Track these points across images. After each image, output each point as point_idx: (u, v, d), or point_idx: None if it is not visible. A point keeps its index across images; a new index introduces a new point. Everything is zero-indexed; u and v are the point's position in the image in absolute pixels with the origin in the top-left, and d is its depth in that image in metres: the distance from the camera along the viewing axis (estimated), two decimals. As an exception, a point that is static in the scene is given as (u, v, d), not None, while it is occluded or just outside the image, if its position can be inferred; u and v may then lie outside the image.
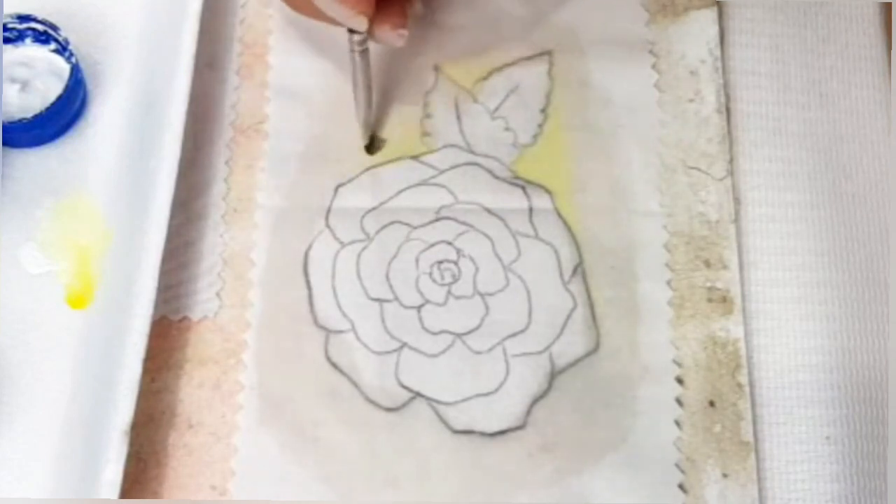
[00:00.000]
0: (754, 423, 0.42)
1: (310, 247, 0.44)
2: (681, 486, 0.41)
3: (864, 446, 0.42)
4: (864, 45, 0.48)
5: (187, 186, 0.44)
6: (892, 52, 0.47)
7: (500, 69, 0.47)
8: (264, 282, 0.43)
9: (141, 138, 0.44)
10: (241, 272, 0.43)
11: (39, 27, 0.44)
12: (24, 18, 0.44)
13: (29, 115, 0.43)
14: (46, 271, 0.42)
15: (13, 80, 0.44)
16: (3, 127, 0.42)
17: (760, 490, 0.41)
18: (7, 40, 0.44)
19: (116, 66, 0.46)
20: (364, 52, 0.42)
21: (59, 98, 0.43)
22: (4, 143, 0.43)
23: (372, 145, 0.45)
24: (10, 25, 0.44)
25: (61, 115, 0.44)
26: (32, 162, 0.44)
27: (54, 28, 0.44)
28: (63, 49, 0.44)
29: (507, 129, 0.46)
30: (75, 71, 0.43)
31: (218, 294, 0.43)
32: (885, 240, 0.45)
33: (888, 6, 0.48)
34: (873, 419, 0.42)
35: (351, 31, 0.41)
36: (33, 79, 0.45)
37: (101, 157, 0.44)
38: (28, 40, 0.45)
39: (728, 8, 0.48)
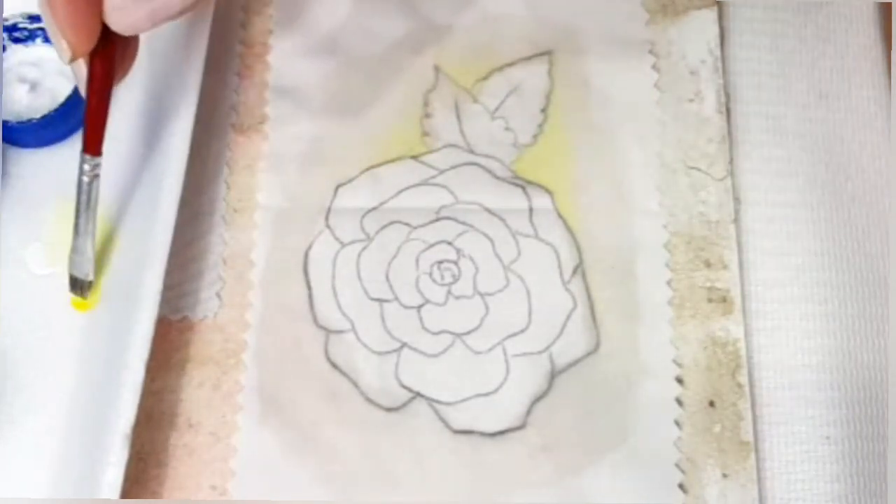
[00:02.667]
0: (754, 423, 0.42)
1: (310, 247, 0.44)
2: (681, 486, 0.41)
3: (864, 446, 0.42)
4: (864, 45, 0.48)
5: (187, 186, 0.44)
6: (892, 52, 0.47)
7: (500, 69, 0.47)
8: (264, 282, 0.43)
9: (149, 139, 0.44)
10: (241, 272, 0.43)
11: None
12: (34, 18, 0.44)
13: (38, 115, 0.43)
14: (52, 272, 0.42)
15: (22, 80, 0.44)
16: (12, 127, 0.42)
17: (760, 490, 0.41)
18: (17, 40, 0.45)
19: (126, 66, 0.46)
20: (96, 179, 0.40)
21: (69, 98, 0.43)
22: (13, 143, 0.43)
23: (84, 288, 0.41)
24: (20, 25, 0.44)
25: (70, 116, 0.44)
26: (40, 162, 0.44)
27: None
28: None
29: (507, 129, 0.46)
30: None
31: (218, 294, 0.43)
32: (885, 240, 0.45)
33: (887, 6, 0.48)
34: (873, 419, 0.42)
35: (84, 150, 0.39)
36: (43, 79, 0.45)
37: (108, 157, 0.44)
38: (38, 40, 0.45)
39: (728, 8, 0.48)
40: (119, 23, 0.36)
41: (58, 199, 0.43)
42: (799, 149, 0.46)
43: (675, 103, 0.46)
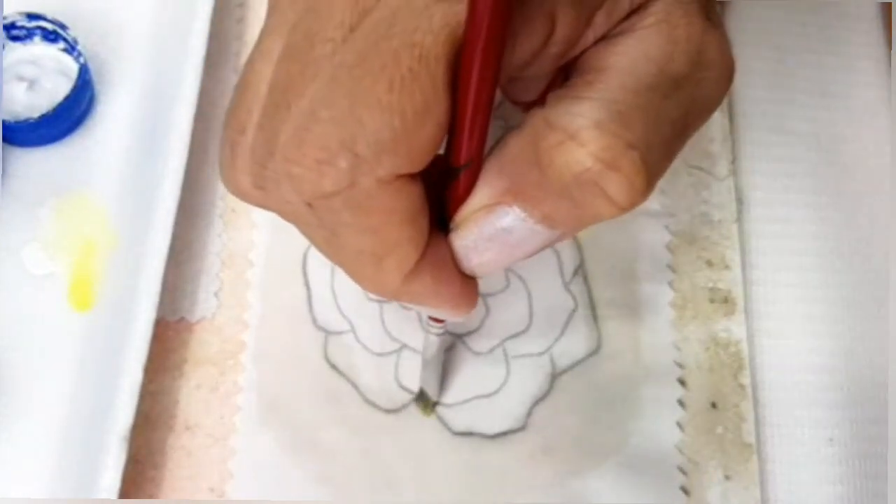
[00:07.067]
0: (756, 424, 0.41)
1: (309, 247, 0.44)
2: (683, 489, 0.40)
3: (867, 448, 0.42)
4: (865, 45, 0.48)
5: (186, 186, 0.43)
6: (893, 51, 0.47)
7: (500, 69, 0.47)
8: (263, 282, 0.43)
9: (148, 139, 0.43)
10: (239, 273, 0.43)
11: (48, 26, 0.44)
12: (33, 17, 0.44)
13: (36, 114, 0.42)
14: (49, 272, 0.42)
15: (21, 79, 0.44)
16: (10, 126, 0.42)
17: (762, 492, 0.41)
18: (15, 38, 0.44)
19: (124, 66, 0.45)
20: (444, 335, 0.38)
21: (67, 98, 0.43)
22: (11, 142, 0.43)
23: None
24: (19, 24, 0.44)
25: (68, 115, 0.43)
26: (38, 161, 0.44)
27: (63, 27, 0.44)
28: (72, 48, 0.44)
29: (506, 129, 0.46)
30: (83, 71, 0.43)
31: (216, 295, 0.43)
32: (888, 239, 0.44)
33: (888, 6, 0.48)
34: (877, 421, 0.42)
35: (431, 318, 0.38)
36: (41, 78, 0.44)
37: (107, 157, 0.44)
38: (37, 39, 0.45)
39: (728, 8, 0.48)
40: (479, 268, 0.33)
41: (55, 198, 0.43)
42: (802, 148, 0.46)
43: (676, 103, 0.46)
